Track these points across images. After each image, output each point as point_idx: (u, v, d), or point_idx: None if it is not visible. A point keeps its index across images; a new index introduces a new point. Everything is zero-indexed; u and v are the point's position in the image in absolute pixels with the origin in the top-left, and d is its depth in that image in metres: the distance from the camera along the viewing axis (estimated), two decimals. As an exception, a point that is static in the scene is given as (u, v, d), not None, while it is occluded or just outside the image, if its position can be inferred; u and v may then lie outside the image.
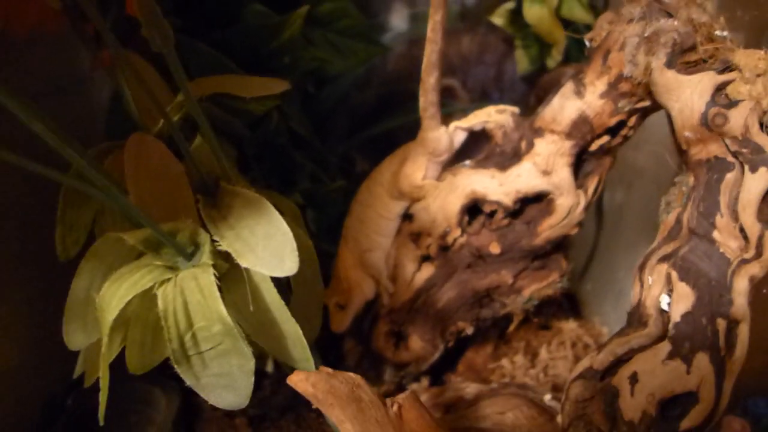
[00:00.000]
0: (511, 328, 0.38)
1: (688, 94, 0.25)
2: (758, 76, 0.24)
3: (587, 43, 0.32)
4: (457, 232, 0.34)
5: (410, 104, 0.50)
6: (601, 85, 0.30)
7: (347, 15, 0.38)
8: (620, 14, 0.30)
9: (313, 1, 0.38)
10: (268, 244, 0.21)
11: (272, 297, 0.23)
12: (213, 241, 0.22)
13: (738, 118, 0.24)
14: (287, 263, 0.21)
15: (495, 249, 0.33)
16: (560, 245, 0.35)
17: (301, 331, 0.24)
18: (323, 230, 0.42)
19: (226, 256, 0.23)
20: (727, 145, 0.25)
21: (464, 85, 0.50)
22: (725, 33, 0.28)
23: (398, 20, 0.48)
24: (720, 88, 0.25)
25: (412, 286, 0.36)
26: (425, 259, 0.36)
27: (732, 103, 0.24)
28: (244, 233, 0.22)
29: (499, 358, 0.41)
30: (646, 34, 0.28)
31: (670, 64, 0.27)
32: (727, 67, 0.25)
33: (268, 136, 0.37)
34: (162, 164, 0.25)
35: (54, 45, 0.38)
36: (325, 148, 0.46)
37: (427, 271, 0.35)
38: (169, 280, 0.21)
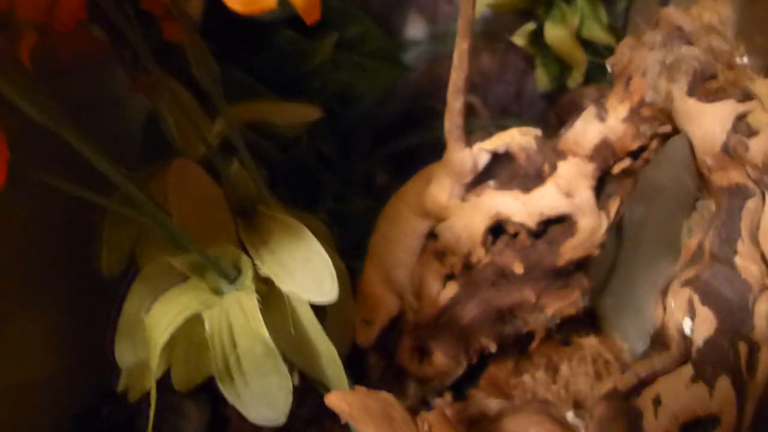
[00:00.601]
0: (534, 345, 0.38)
1: (709, 123, 0.26)
2: (779, 106, 0.25)
3: (609, 68, 0.33)
4: (481, 251, 0.35)
5: (432, 121, 0.52)
6: (623, 110, 0.31)
7: (373, 37, 0.40)
8: (641, 41, 0.31)
9: (340, 25, 0.39)
10: (307, 270, 0.22)
11: (309, 318, 0.25)
12: (254, 265, 0.24)
13: (758, 147, 0.25)
14: (326, 289, 0.22)
15: (518, 269, 0.34)
16: (582, 265, 0.36)
17: (336, 352, 0.25)
18: (349, 246, 0.43)
19: (265, 279, 0.24)
20: (748, 173, 0.25)
21: (485, 102, 0.51)
22: (745, 60, 0.29)
23: (420, 39, 0.49)
24: (740, 117, 0.26)
25: (437, 304, 0.36)
26: (449, 277, 0.37)
27: (752, 132, 0.25)
28: (284, 258, 0.23)
29: (521, 374, 0.42)
30: (667, 62, 0.29)
31: (691, 92, 0.28)
32: (748, 96, 0.26)
33: (298, 157, 0.38)
34: (203, 189, 0.27)
35: (92, 66, 0.39)
36: (348, 164, 0.48)
37: (452, 289, 0.36)
38: (214, 303, 0.22)
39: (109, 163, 0.19)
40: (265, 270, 0.23)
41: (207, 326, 0.22)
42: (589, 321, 0.49)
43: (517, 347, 0.43)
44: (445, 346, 0.37)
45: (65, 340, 0.38)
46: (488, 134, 0.52)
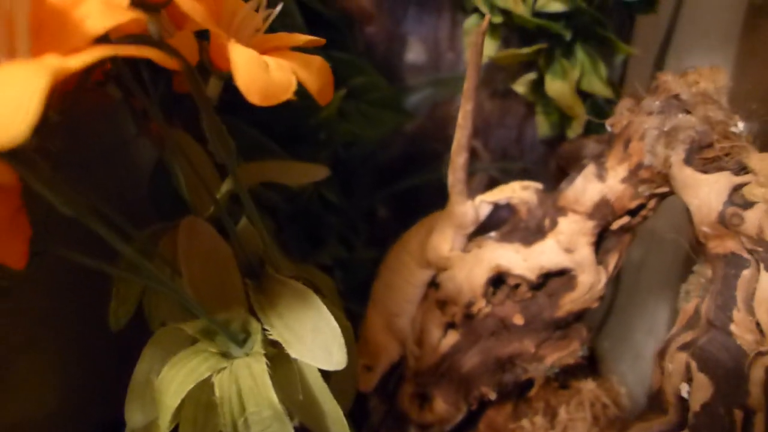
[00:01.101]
0: (532, 392, 0.39)
1: (705, 193, 0.27)
2: (772, 180, 0.26)
3: (608, 128, 0.34)
4: (482, 302, 0.35)
5: (433, 163, 0.53)
6: (622, 170, 0.32)
7: (377, 87, 0.41)
8: (640, 105, 0.32)
9: (345, 75, 0.40)
10: (316, 337, 0.23)
11: (315, 379, 0.25)
12: (263, 329, 0.24)
13: (753, 219, 0.26)
14: (335, 357, 0.22)
15: (518, 320, 0.35)
16: (581, 316, 0.36)
17: (341, 412, 0.25)
18: (351, 290, 0.43)
19: (273, 341, 0.24)
20: (743, 243, 0.26)
21: (486, 145, 0.52)
22: (740, 128, 0.30)
23: (422, 84, 0.50)
24: (736, 189, 0.27)
25: (438, 352, 0.37)
26: (450, 325, 0.37)
27: (747, 204, 0.26)
28: (293, 324, 0.24)
29: (519, 418, 0.42)
30: (665, 129, 0.30)
31: (688, 161, 0.28)
32: (743, 169, 0.27)
33: (302, 204, 0.39)
34: (213, 248, 0.27)
35: (102, 113, 0.40)
36: (351, 205, 0.48)
37: (453, 337, 0.37)
38: (224, 368, 0.23)
39: (128, 247, 0.19)
40: (275, 335, 0.23)
41: (217, 391, 0.23)
42: (586, 363, 0.49)
43: (516, 391, 0.43)
44: (446, 393, 0.38)
45: (66, 376, 0.38)
46: (488, 177, 0.53)
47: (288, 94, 0.18)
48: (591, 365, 0.50)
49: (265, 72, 0.17)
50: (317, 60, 0.21)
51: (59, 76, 0.12)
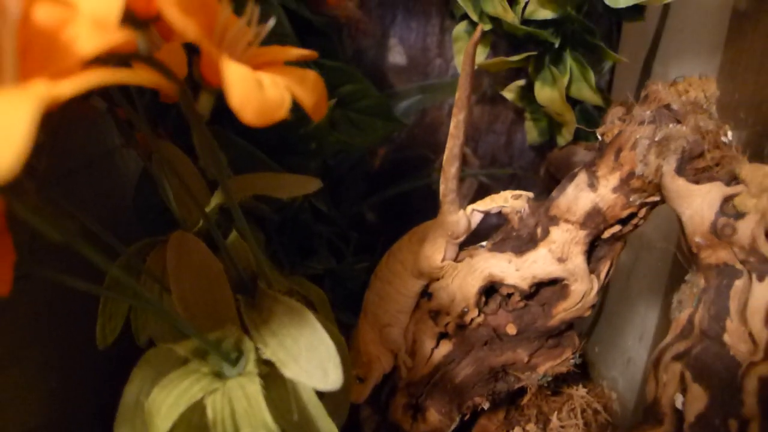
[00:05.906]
0: (525, 400, 0.39)
1: (698, 203, 0.27)
2: (764, 191, 0.26)
3: (599, 137, 0.34)
4: (475, 312, 0.35)
5: (421, 169, 0.52)
6: (613, 179, 0.32)
7: (367, 95, 0.40)
8: (632, 115, 0.32)
9: (335, 83, 0.40)
10: (312, 356, 0.23)
11: (310, 397, 0.25)
12: (256, 348, 0.24)
13: (745, 229, 0.26)
14: (331, 377, 0.22)
15: (511, 330, 0.35)
16: (573, 323, 0.36)
17: (336, 430, 0.25)
18: (341, 299, 0.43)
19: (266, 360, 0.24)
20: (735, 254, 0.26)
21: (475, 151, 0.52)
22: (730, 137, 0.30)
23: (410, 90, 0.50)
24: (727, 200, 0.27)
25: (431, 362, 0.37)
26: (443, 336, 0.37)
27: (739, 215, 0.26)
28: (287, 342, 0.23)
29: (512, 426, 0.42)
30: (656, 138, 0.30)
31: (680, 171, 0.29)
32: (734, 179, 0.27)
33: (292, 213, 0.38)
34: (203, 264, 0.27)
35: (87, 123, 0.40)
36: (340, 212, 0.48)
37: (445, 347, 0.37)
38: (216, 389, 0.22)
39: (117, 268, 0.19)
40: (268, 354, 0.23)
41: (209, 413, 0.22)
42: (576, 366, 0.50)
43: (508, 398, 0.43)
44: (439, 404, 0.38)
45: (49, 391, 0.37)
46: (478, 182, 0.53)
47: (283, 113, 0.18)
48: (581, 370, 0.50)
49: (260, 90, 0.17)
50: (311, 75, 0.20)
51: (49, 105, 0.12)
